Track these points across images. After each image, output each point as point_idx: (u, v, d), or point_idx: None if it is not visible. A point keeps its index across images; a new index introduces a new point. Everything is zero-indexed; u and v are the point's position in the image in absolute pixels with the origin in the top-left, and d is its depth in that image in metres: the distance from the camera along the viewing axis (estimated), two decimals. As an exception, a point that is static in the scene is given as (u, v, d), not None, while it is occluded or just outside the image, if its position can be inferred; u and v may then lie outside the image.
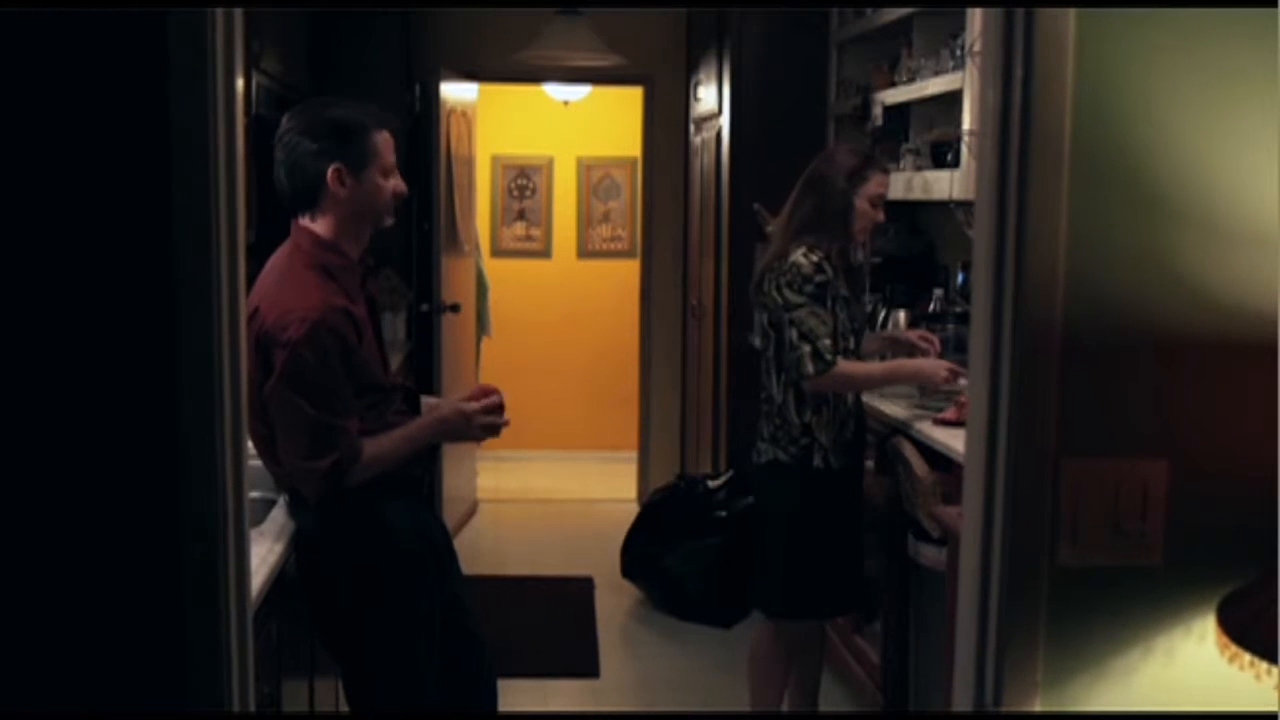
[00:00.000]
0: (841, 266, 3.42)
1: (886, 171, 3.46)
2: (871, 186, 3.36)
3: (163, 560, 1.49)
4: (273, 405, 2.54)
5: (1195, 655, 1.57)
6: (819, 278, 3.28)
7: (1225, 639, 1.42)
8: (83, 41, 1.41)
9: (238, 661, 1.54)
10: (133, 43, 1.41)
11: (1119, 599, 1.57)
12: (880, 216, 3.40)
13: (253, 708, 1.60)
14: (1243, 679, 1.45)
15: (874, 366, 3.52)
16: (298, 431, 2.54)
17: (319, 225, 2.63)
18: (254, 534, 2.50)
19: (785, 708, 3.65)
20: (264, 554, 2.42)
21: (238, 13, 1.46)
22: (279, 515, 2.68)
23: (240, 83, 1.48)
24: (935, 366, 3.46)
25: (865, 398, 3.61)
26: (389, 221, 2.70)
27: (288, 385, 2.51)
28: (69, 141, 1.43)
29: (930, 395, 3.76)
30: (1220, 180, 1.52)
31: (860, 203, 3.35)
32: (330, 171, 2.58)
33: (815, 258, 3.30)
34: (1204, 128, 1.51)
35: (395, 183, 2.67)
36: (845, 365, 3.32)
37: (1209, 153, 1.51)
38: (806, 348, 3.27)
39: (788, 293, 3.29)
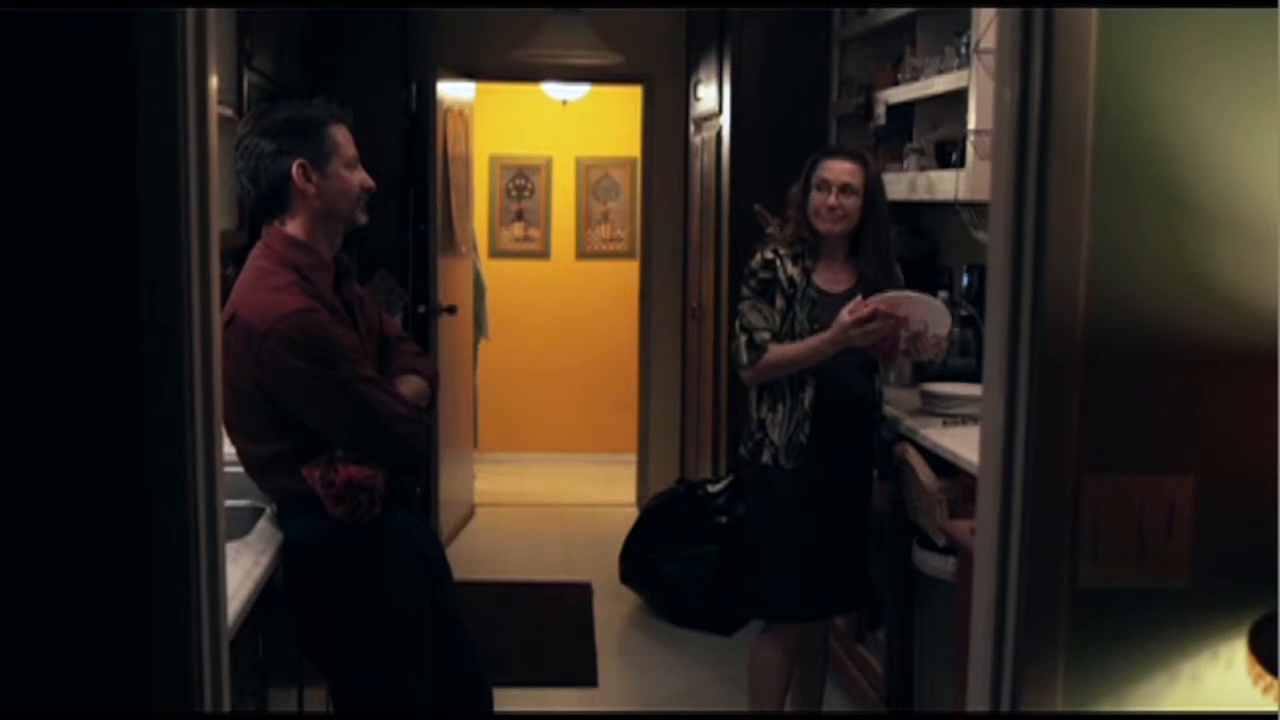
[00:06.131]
0: (859, 271, 3.35)
1: (854, 158, 3.33)
2: (820, 173, 3.31)
3: (130, 568, 1.43)
4: (317, 402, 2.49)
5: (1222, 681, 1.51)
6: (764, 273, 3.33)
7: (1259, 668, 1.34)
8: (46, 43, 1.35)
9: (210, 671, 1.47)
10: (98, 43, 1.35)
11: (1143, 622, 1.50)
12: (830, 200, 3.27)
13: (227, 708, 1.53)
14: (1272, 707, 1.37)
15: (798, 344, 3.28)
16: (366, 400, 2.50)
17: (291, 227, 2.59)
18: (240, 545, 2.44)
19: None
20: (249, 566, 2.34)
21: (208, 13, 1.39)
22: (265, 526, 2.60)
23: (214, 81, 1.41)
24: (842, 328, 3.16)
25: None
26: (362, 219, 2.64)
27: (314, 365, 2.46)
28: (31, 142, 1.36)
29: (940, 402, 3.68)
30: (1250, 182, 1.45)
31: (812, 192, 3.32)
32: (294, 168, 2.53)
33: (768, 255, 3.34)
34: (1234, 127, 1.44)
35: (361, 176, 2.62)
36: (772, 350, 3.27)
37: (1238, 153, 1.45)
38: (743, 338, 3.32)
39: (741, 288, 3.39)
